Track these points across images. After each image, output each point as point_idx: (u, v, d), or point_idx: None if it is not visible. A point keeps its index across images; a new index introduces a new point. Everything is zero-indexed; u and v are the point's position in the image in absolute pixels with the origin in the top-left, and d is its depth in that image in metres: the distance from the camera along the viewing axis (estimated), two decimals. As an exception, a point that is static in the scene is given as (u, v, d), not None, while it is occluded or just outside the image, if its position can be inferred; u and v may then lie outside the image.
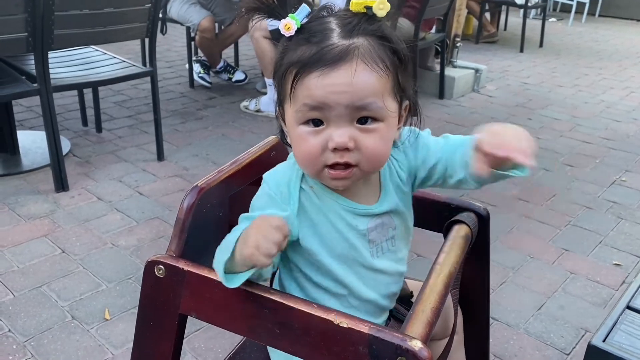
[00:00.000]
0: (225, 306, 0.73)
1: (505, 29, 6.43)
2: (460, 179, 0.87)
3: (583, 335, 1.83)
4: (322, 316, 0.67)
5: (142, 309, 0.80)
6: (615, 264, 2.23)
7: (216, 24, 3.99)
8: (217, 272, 0.72)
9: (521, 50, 5.73)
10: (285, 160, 1.03)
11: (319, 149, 0.77)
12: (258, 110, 3.69)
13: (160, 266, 0.76)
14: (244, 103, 3.76)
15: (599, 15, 7.98)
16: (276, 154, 1.00)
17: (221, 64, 4.22)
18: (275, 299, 0.70)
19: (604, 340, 0.53)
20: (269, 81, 3.60)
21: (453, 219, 0.91)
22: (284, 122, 0.85)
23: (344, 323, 0.65)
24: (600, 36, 6.88)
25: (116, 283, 1.93)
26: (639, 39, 6.80)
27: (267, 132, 3.37)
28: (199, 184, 0.83)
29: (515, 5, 6.02)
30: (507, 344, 1.77)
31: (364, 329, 0.65)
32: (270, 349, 0.97)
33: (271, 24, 3.42)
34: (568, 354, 1.75)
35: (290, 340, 0.70)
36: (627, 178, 2.99)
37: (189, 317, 0.78)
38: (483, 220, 0.94)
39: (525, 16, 5.82)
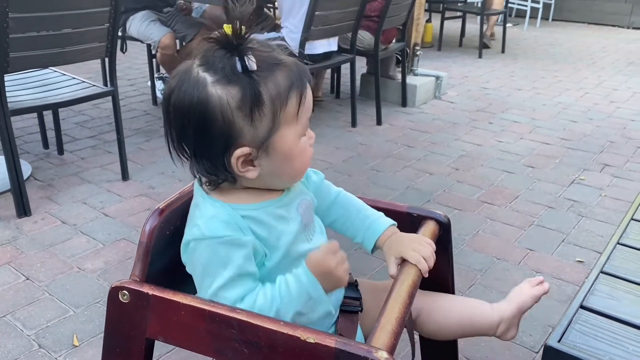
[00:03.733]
0: (192, 328, 0.73)
1: (463, 36, 6.57)
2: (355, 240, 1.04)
3: (550, 333, 1.87)
4: (289, 333, 0.68)
5: (108, 335, 0.79)
6: (578, 260, 2.30)
7: (177, 40, 3.97)
8: (329, 311, 0.82)
9: (480, 56, 5.86)
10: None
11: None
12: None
13: (124, 291, 0.75)
14: (209, 118, 3.75)
15: (553, 20, 8.23)
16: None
17: (183, 80, 4.19)
18: (241, 317, 0.70)
19: (559, 341, 0.55)
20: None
21: (420, 228, 0.93)
22: (265, 151, 0.83)
23: (311, 339, 0.66)
24: (555, 40, 7.09)
25: (84, 308, 1.89)
26: (591, 41, 7.03)
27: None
28: (160, 207, 0.83)
29: (473, 12, 6.17)
30: (477, 345, 1.80)
31: (331, 343, 0.66)
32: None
33: (232, 39, 3.43)
34: (537, 352, 1.79)
35: (257, 359, 0.70)
36: (586, 176, 3.08)
37: (156, 341, 0.78)
38: (444, 227, 0.96)
39: (482, 22, 5.97)
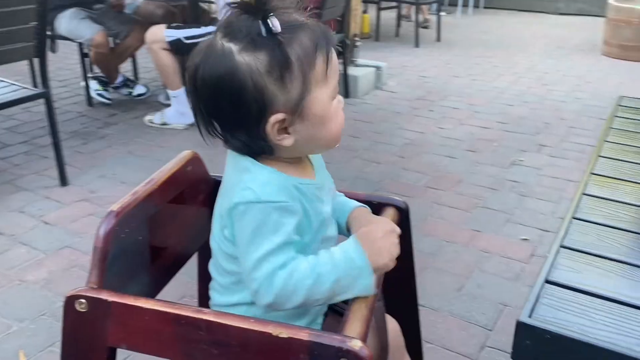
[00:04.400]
0: (157, 333, 0.70)
1: (399, 26, 6.66)
2: None
3: (502, 310, 1.94)
4: (260, 329, 0.66)
5: (66, 347, 0.75)
6: (523, 239, 2.38)
7: (110, 38, 3.82)
8: (368, 290, 0.79)
9: (416, 45, 5.96)
10: (204, 172, 1.01)
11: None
12: (164, 124, 3.58)
13: (82, 300, 0.71)
14: (148, 117, 3.64)
15: (484, 7, 8.47)
16: (193, 168, 0.97)
17: (120, 79, 4.06)
18: (208, 318, 0.68)
19: (529, 316, 0.57)
20: (173, 93, 3.51)
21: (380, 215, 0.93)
22: (300, 116, 0.82)
23: (283, 334, 0.65)
24: (487, 27, 7.31)
25: (29, 321, 1.80)
26: (521, 28, 7.29)
27: (176, 146, 3.29)
28: (114, 209, 0.79)
29: (408, 2, 6.26)
30: (434, 327, 1.84)
31: (304, 336, 0.65)
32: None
33: (169, 35, 3.33)
34: (491, 330, 1.85)
35: (228, 359, 0.68)
36: (525, 158, 3.20)
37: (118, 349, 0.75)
38: (403, 213, 0.97)
39: (417, 12, 6.07)
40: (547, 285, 0.62)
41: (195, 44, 3.35)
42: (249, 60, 0.78)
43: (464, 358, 1.73)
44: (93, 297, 0.71)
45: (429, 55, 5.64)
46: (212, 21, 3.61)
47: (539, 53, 5.80)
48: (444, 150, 3.30)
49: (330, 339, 0.64)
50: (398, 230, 0.88)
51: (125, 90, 4.09)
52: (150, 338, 0.71)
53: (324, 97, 0.82)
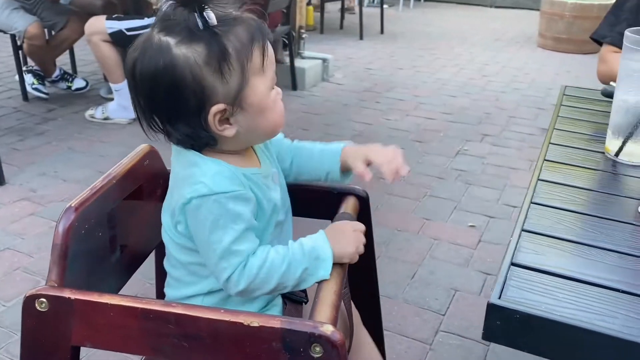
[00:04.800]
0: (123, 329, 0.68)
1: (343, 18, 6.70)
2: (312, 178, 1.03)
3: (454, 295, 2.00)
4: (231, 320, 0.65)
5: (26, 349, 0.71)
6: (471, 225, 2.46)
7: (46, 30, 3.66)
8: (326, 276, 0.81)
9: (361, 38, 6.01)
10: (161, 166, 0.99)
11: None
12: (106, 118, 3.47)
13: (42, 299, 0.68)
14: (89, 112, 3.52)
15: (425, 0, 8.63)
16: (150, 162, 0.95)
17: (57, 72, 3.89)
18: (177, 311, 0.66)
19: (499, 297, 0.59)
20: (115, 86, 3.39)
21: (341, 205, 0.94)
22: (239, 106, 0.82)
23: (255, 322, 0.65)
24: (429, 20, 7.45)
25: (-30, 328, 1.71)
26: (460, 20, 7.48)
27: (120, 141, 3.19)
28: (72, 204, 0.76)
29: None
30: (389, 315, 1.87)
31: (276, 324, 0.64)
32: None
33: (110, 26, 3.22)
34: (444, 314, 1.90)
35: (200, 352, 0.67)
36: (469, 147, 3.29)
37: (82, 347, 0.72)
38: (364, 202, 0.98)
39: (361, 5, 6.12)
40: (513, 267, 0.64)
41: (139, 35, 3.27)
42: (186, 53, 0.78)
43: (420, 343, 1.77)
44: (54, 296, 0.68)
45: (374, 48, 5.70)
46: (154, 12, 3.51)
47: (478, 45, 5.97)
48: (392, 141, 3.32)
49: (302, 325, 0.65)
50: (364, 227, 0.91)
51: (63, 84, 3.93)
52: (116, 335, 0.68)
53: (262, 88, 0.83)
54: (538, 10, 5.96)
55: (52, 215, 2.40)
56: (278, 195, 0.93)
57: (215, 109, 0.81)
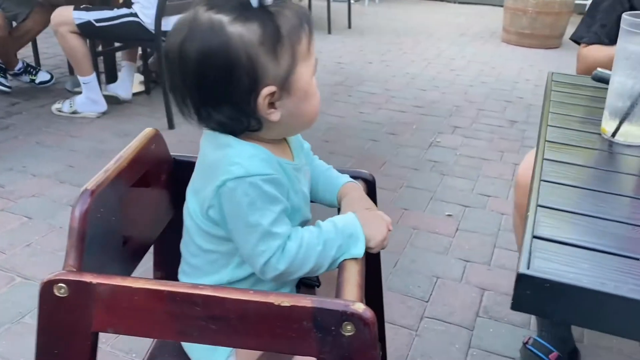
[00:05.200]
0: (148, 313, 0.67)
1: (310, 11, 6.69)
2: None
3: (436, 282, 2.03)
4: (261, 300, 0.65)
5: (43, 337, 0.69)
6: (448, 214, 2.51)
7: (8, 21, 3.53)
8: (358, 251, 0.81)
9: (329, 32, 6.03)
10: (166, 151, 0.98)
11: None
12: (74, 112, 3.38)
13: (61, 284, 0.66)
14: (56, 105, 3.42)
15: (389, -4, 8.70)
16: (156, 146, 0.93)
17: (19, 65, 3.77)
18: (205, 293, 0.66)
19: (527, 268, 0.60)
20: (83, 79, 3.30)
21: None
22: (287, 90, 0.81)
23: (286, 302, 0.65)
24: (395, 15, 7.52)
25: (-54, 327, 1.64)
26: (425, 16, 7.57)
27: (90, 135, 3.12)
28: (88, 187, 0.74)
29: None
30: (376, 303, 1.89)
31: (307, 303, 0.64)
32: (186, 347, 0.92)
33: (78, 17, 3.13)
34: (427, 301, 1.93)
35: (227, 334, 0.66)
36: (441, 139, 3.35)
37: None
38: (371, 185, 0.99)
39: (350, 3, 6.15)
40: (535, 240, 0.66)
41: (108, 27, 3.20)
42: (241, 32, 0.76)
43: (406, 330, 1.80)
44: (75, 281, 0.66)
45: (342, 42, 5.72)
46: (121, 4, 3.43)
47: (444, 40, 6.06)
48: (367, 134, 3.37)
49: (334, 304, 0.65)
50: (390, 221, 0.92)
51: (26, 77, 3.81)
52: (140, 319, 0.67)
53: (307, 73, 0.82)
54: (501, 6, 6.09)
55: (23, 210, 2.33)
56: (307, 190, 0.92)
57: (266, 90, 0.78)
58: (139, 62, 3.90)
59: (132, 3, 3.19)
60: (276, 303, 0.65)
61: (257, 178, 0.78)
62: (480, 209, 2.57)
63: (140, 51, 3.83)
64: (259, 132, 0.83)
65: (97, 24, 3.13)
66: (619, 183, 0.86)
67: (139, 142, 0.90)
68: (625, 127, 0.95)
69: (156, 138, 0.93)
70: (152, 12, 3.09)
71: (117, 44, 3.67)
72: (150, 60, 3.94)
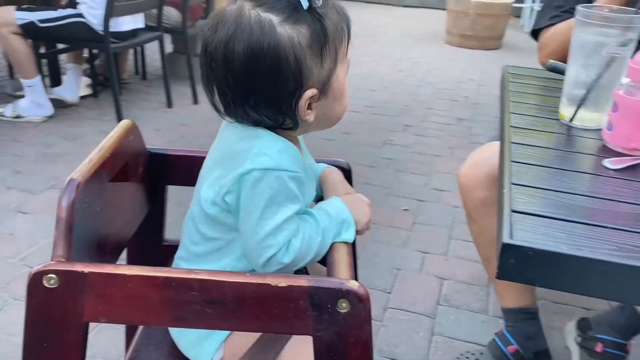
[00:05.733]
0: (143, 300, 0.66)
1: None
2: None
3: (397, 274, 2.09)
4: (258, 282, 0.66)
5: (31, 330, 0.68)
6: (404, 209, 2.57)
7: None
8: (349, 236, 0.84)
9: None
10: (143, 144, 0.97)
11: None
12: (17, 116, 3.25)
13: (51, 275, 0.65)
14: (-3, 110, 3.28)
15: None
16: (133, 138, 0.92)
17: (-45, 68, 3.59)
18: (202, 277, 0.66)
19: (511, 238, 0.65)
20: (27, 82, 3.18)
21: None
22: (325, 92, 0.81)
23: (283, 283, 0.66)
24: (340, 18, 7.61)
25: None
26: (372, 18, 7.71)
27: (36, 140, 3.01)
28: (74, 177, 0.73)
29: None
30: (341, 296, 1.92)
31: (304, 282, 0.66)
32: (176, 339, 0.91)
33: (20, 17, 3.02)
34: (390, 292, 1.98)
35: (224, 317, 0.67)
36: (394, 137, 3.43)
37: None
38: (347, 173, 1.02)
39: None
40: (514, 214, 0.70)
41: (53, 27, 3.13)
42: (291, 33, 0.75)
43: (372, 321, 1.83)
44: (65, 271, 0.65)
45: (291, 44, 5.74)
46: (65, 4, 3.33)
47: (390, 42, 6.19)
48: (322, 133, 3.39)
49: (329, 282, 0.67)
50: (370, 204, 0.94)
51: (-38, 82, 3.64)
52: (135, 307, 0.67)
53: (343, 74, 0.83)
54: (443, 9, 6.29)
55: (-31, 218, 2.23)
56: (314, 188, 0.93)
57: (309, 92, 0.78)
58: (85, 65, 3.79)
59: (78, 3, 3.10)
60: (273, 284, 0.66)
61: (284, 174, 0.78)
62: (435, 203, 2.65)
63: (86, 53, 3.72)
64: (295, 130, 0.83)
65: (41, 25, 3.03)
66: (579, 162, 0.93)
67: (117, 133, 0.89)
68: (581, 112, 1.02)
69: (133, 130, 0.92)
70: (100, 12, 3.02)
71: (61, 46, 3.55)
72: (97, 62, 3.84)
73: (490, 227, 1.53)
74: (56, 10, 3.12)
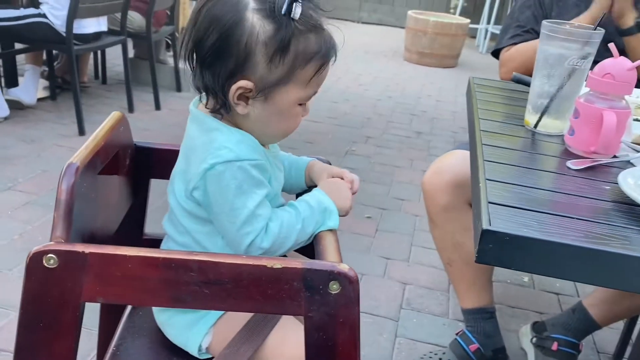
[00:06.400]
0: (141, 281, 0.68)
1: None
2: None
3: (361, 279, 2.14)
4: (254, 263, 0.69)
5: (28, 309, 0.68)
6: (367, 217, 2.64)
7: None
8: (333, 224, 0.88)
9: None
10: (130, 136, 0.99)
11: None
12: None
13: (51, 255, 0.66)
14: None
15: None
16: (124, 129, 0.94)
17: None
18: (200, 258, 0.69)
19: (490, 225, 0.70)
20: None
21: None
22: (264, 96, 0.83)
23: (277, 265, 0.69)
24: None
25: None
26: (333, 34, 7.82)
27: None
28: (74, 161, 0.74)
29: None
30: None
31: (298, 264, 0.70)
32: (163, 326, 0.93)
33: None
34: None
35: (221, 297, 0.70)
36: (356, 148, 3.50)
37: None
38: (327, 171, 1.06)
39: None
40: (490, 205, 0.76)
41: (13, 27, 3.10)
42: (255, 22, 0.79)
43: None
44: (66, 251, 0.67)
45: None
46: (31, 3, 3.27)
47: (351, 57, 6.31)
48: (284, 141, 3.43)
49: (322, 265, 0.71)
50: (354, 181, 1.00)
51: None
52: (133, 287, 0.69)
53: (293, 96, 0.84)
54: (401, 27, 6.47)
55: None
56: (282, 177, 0.96)
57: (243, 82, 0.81)
58: (43, 67, 3.71)
59: (40, 3, 3.05)
60: (269, 265, 0.69)
61: (245, 163, 0.82)
62: (396, 211, 2.73)
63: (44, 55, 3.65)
64: (229, 114, 0.86)
65: (1, 23, 2.97)
66: (545, 162, 1.01)
67: (110, 123, 0.90)
68: (544, 120, 1.10)
69: (123, 121, 0.94)
70: (63, 13, 2.98)
71: (18, 46, 3.47)
72: (57, 64, 3.77)
73: (452, 231, 1.61)
74: (17, 9, 3.06)
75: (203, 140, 0.85)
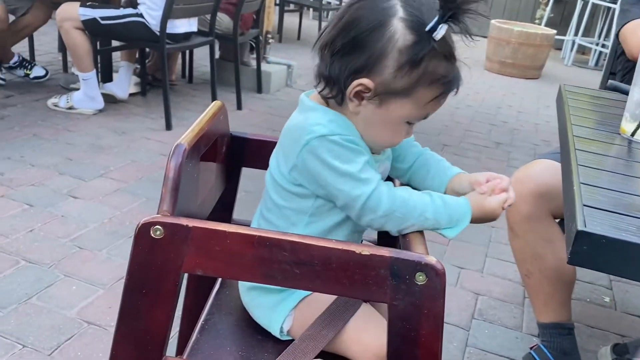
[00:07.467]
0: (238, 256, 0.72)
1: (300, 29, 6.83)
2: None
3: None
4: (344, 248, 0.72)
5: (134, 276, 0.74)
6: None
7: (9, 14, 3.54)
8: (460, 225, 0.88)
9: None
10: (227, 126, 1.04)
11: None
12: (71, 108, 3.38)
13: (158, 226, 0.72)
14: (53, 100, 3.42)
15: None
16: (223, 118, 0.99)
17: (15, 58, 3.76)
18: (293, 239, 0.72)
19: (585, 227, 0.69)
20: (83, 75, 3.32)
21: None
22: (380, 101, 0.85)
23: (366, 251, 0.71)
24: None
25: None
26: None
27: (87, 131, 3.13)
28: (182, 142, 0.80)
29: (310, 5, 6.44)
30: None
31: (385, 253, 0.71)
32: (249, 306, 0.97)
33: (83, 13, 3.17)
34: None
35: (309, 278, 0.73)
36: (432, 155, 3.46)
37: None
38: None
39: (320, 17, 6.27)
40: (585, 207, 0.75)
41: (113, 25, 3.26)
42: (398, 29, 0.81)
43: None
44: (171, 223, 0.72)
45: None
46: (130, 3, 3.47)
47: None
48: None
49: (409, 255, 0.72)
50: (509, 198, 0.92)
51: (21, 72, 3.80)
52: (229, 262, 0.73)
53: (406, 112, 0.86)
54: (483, 36, 6.34)
55: (24, 198, 2.33)
56: (378, 177, 0.94)
57: (366, 81, 0.83)
58: (135, 64, 3.93)
59: (138, 4, 3.24)
60: (357, 251, 0.71)
61: (338, 137, 0.84)
62: (472, 221, 2.68)
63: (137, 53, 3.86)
64: (342, 106, 0.88)
65: (102, 22, 3.17)
66: (639, 169, 0.97)
67: (212, 111, 0.96)
68: (643, 128, 1.06)
69: (223, 110, 1.00)
70: (158, 13, 3.15)
71: (116, 44, 3.70)
72: (148, 62, 3.98)
73: (533, 242, 1.57)
74: (118, 9, 3.26)
75: (299, 119, 0.89)
